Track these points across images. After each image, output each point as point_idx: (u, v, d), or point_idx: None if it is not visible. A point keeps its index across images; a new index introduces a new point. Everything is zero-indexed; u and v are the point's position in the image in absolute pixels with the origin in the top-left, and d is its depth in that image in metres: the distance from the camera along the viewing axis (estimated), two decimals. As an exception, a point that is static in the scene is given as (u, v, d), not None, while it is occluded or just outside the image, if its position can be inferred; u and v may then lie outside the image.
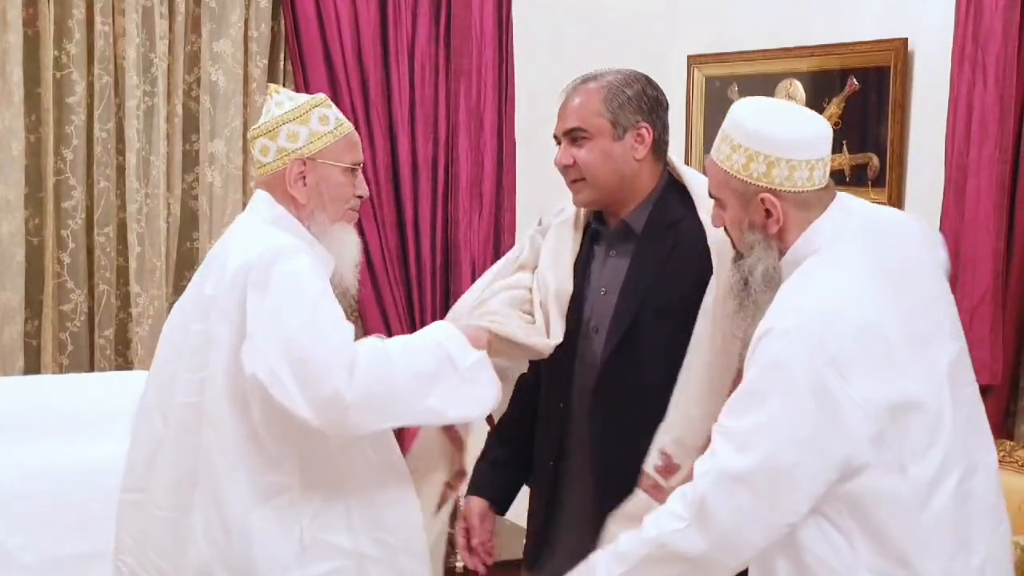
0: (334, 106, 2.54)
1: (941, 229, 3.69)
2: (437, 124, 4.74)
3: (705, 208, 2.57)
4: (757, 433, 2.11)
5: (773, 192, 2.25)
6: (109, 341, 4.30)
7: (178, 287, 4.51)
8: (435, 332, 2.46)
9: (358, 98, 4.57)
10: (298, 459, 2.35)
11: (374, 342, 2.39)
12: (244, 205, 4.47)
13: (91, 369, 4.27)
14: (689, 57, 4.95)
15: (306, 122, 2.48)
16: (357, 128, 4.52)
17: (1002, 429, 3.49)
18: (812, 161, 2.27)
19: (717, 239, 2.57)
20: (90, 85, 4.23)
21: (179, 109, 4.38)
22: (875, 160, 4.24)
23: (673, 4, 4.94)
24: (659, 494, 2.51)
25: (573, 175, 2.67)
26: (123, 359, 4.37)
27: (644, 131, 2.67)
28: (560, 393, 2.74)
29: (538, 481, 2.82)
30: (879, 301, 2.18)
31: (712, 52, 4.88)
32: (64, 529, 3.39)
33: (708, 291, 2.59)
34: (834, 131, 4.26)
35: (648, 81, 2.71)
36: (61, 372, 4.20)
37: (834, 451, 2.09)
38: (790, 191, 2.25)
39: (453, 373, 2.37)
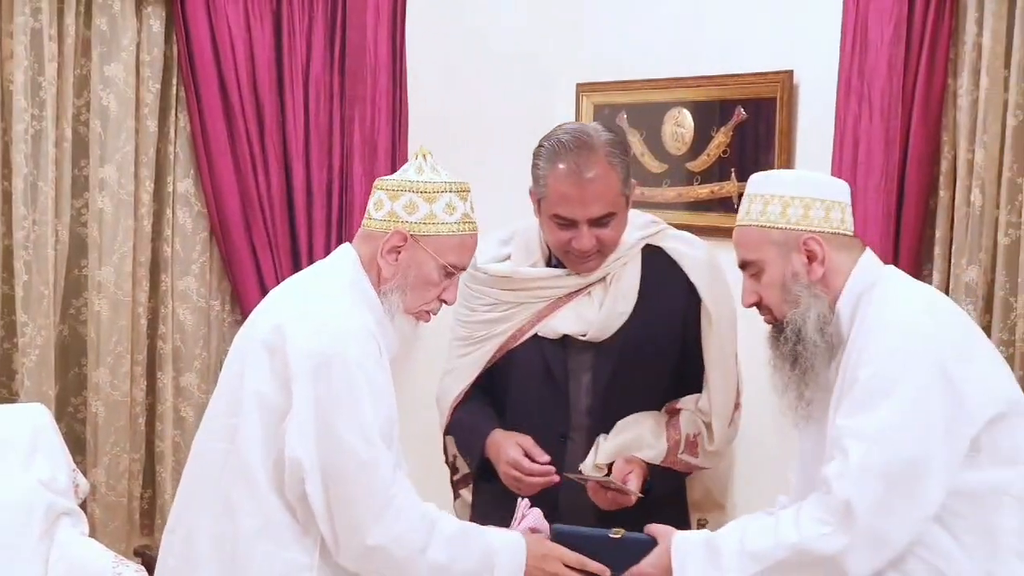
0: (471, 200, 2.38)
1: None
2: (332, 151, 4.72)
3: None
4: (889, 427, 2.14)
5: (813, 235, 2.31)
6: (-6, 371, 4.20)
7: (66, 315, 4.41)
8: (494, 542, 2.37)
9: (252, 124, 4.54)
10: (320, 540, 2.26)
11: (432, 511, 2.32)
12: (135, 232, 4.45)
13: (-25, 400, 4.16)
14: (578, 85, 5.02)
15: (431, 201, 2.33)
16: (250, 155, 4.54)
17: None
18: (842, 203, 2.34)
19: (694, 267, 2.80)
20: (-24, 108, 4.13)
21: (68, 133, 4.28)
22: (763, 188, 4.35)
23: (563, 32, 5.00)
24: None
25: (591, 251, 2.70)
26: (7, 390, 4.26)
27: (633, 189, 2.76)
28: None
29: None
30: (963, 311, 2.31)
31: (601, 80, 4.95)
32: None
33: (704, 317, 2.80)
34: (722, 159, 4.45)
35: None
36: (-56, 403, 4.09)
37: (962, 433, 2.14)
38: (829, 232, 2.32)
39: None
